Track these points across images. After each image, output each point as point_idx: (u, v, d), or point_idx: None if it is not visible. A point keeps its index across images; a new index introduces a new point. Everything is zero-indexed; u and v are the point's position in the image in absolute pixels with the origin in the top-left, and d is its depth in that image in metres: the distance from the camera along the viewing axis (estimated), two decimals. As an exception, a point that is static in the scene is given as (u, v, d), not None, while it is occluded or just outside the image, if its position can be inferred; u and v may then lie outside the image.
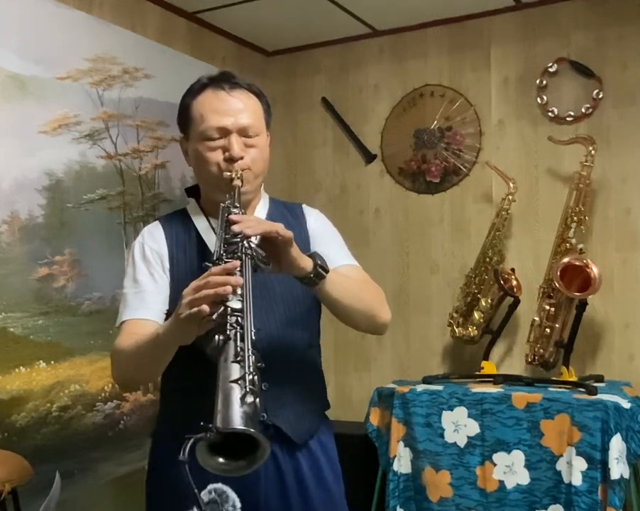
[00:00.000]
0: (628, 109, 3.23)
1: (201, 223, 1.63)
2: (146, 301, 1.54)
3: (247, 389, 1.07)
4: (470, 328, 3.26)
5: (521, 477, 2.79)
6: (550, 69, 3.35)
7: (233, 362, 1.12)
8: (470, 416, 2.89)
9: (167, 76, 3.17)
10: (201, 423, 1.05)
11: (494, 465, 2.83)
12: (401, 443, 3.00)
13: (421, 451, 2.94)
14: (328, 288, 1.47)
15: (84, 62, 2.80)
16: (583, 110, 3.28)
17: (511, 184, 3.29)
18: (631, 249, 3.22)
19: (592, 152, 3.12)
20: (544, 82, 3.36)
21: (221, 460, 1.07)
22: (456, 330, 3.31)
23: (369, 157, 3.75)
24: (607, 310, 3.25)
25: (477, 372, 3.22)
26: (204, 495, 1.03)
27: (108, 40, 2.91)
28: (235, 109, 1.56)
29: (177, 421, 1.57)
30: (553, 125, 3.34)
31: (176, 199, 3.20)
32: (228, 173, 1.53)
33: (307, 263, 1.43)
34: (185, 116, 1.61)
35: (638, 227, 3.22)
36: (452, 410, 2.92)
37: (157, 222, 1.66)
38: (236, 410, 1.06)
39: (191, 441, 1.05)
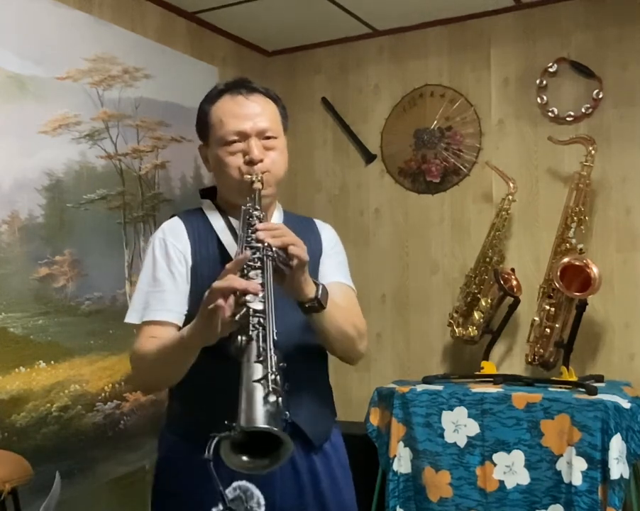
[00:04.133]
0: (628, 109, 3.23)
1: (219, 221, 1.62)
2: (166, 302, 1.52)
3: (270, 389, 1.08)
4: (470, 328, 3.26)
5: (521, 477, 2.79)
6: (550, 69, 3.35)
7: (255, 362, 1.13)
8: (470, 416, 2.89)
9: (167, 76, 3.18)
10: (225, 422, 1.06)
11: (494, 465, 2.83)
12: (401, 443, 3.00)
13: (421, 451, 2.94)
14: (320, 318, 1.48)
15: (84, 62, 2.80)
16: (583, 110, 3.28)
17: (511, 184, 3.29)
18: (631, 249, 3.22)
19: (592, 152, 3.11)
20: (544, 82, 3.36)
21: (244, 458, 1.08)
22: (456, 330, 3.30)
23: (369, 157, 3.75)
24: (607, 310, 3.25)
25: (477, 372, 3.22)
26: (229, 492, 1.03)
27: (108, 40, 2.91)
28: (253, 113, 1.58)
29: (185, 422, 1.58)
30: (553, 125, 3.34)
31: (176, 199, 3.20)
32: (249, 176, 1.53)
33: (310, 290, 1.43)
34: (204, 123, 1.62)
35: (638, 227, 3.22)
36: (452, 410, 2.92)
37: (177, 218, 1.64)
38: (259, 409, 1.07)
39: (216, 439, 1.05)
